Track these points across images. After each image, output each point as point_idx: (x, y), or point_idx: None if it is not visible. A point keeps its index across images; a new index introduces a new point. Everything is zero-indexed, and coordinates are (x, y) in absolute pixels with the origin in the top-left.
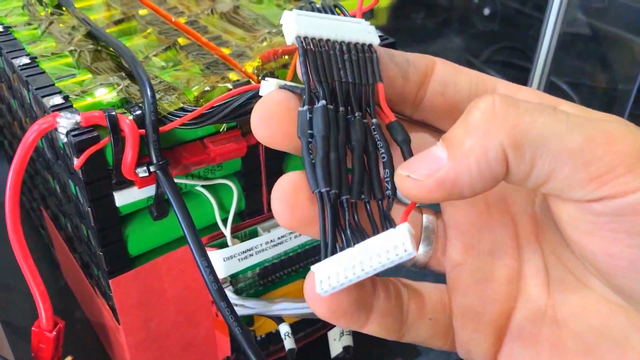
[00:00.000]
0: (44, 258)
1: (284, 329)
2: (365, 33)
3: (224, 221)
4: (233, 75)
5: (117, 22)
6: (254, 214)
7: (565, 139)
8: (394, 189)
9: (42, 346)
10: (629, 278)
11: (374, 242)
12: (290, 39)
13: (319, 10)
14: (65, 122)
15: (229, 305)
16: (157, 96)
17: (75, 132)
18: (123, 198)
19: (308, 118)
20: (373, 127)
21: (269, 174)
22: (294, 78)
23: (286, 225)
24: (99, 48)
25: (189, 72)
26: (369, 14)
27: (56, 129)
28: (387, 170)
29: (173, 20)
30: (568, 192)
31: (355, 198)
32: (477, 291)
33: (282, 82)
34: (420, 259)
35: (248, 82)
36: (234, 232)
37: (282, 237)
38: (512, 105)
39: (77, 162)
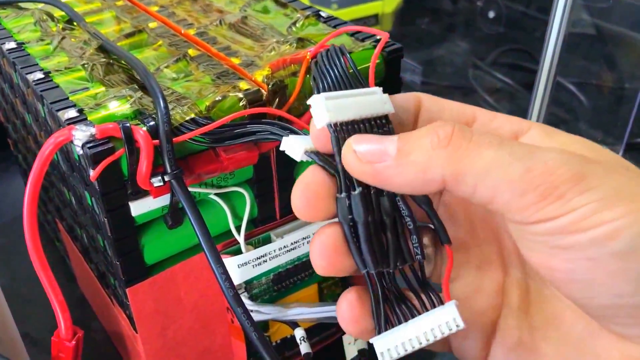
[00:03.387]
0: (60, 270)
1: (299, 333)
2: (382, 104)
3: (238, 228)
4: (243, 85)
5: (128, 36)
6: (266, 220)
7: (507, 170)
8: (422, 253)
9: (62, 355)
10: (570, 287)
11: (427, 319)
12: (320, 125)
13: (329, 60)
14: (80, 135)
15: (246, 311)
16: (170, 107)
17: (91, 144)
18: (138, 208)
19: (347, 205)
20: (397, 197)
21: (281, 180)
22: (302, 88)
23: (325, 274)
24: (111, 61)
25: (200, 82)
26: (373, 21)
27: (72, 142)
28: (413, 236)
29: (182, 32)
30: (509, 215)
31: (393, 269)
32: (467, 303)
33: (306, 144)
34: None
35: (258, 91)
36: (247, 238)
37: (295, 242)
38: (466, 138)
39: (93, 174)
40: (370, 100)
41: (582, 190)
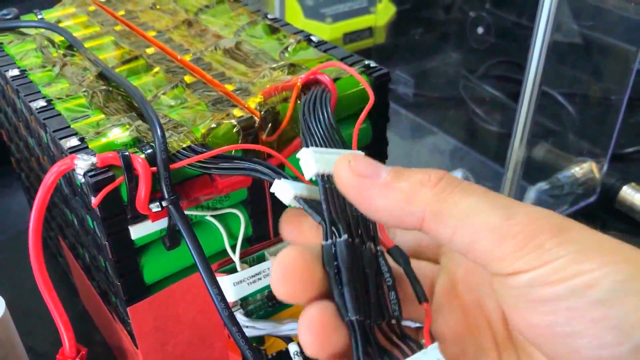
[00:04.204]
0: (62, 284)
1: (293, 348)
2: None
3: (233, 247)
4: (237, 112)
5: (126, 62)
6: (260, 239)
7: (488, 216)
8: (400, 310)
9: None
10: (553, 344)
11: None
12: (309, 175)
13: (315, 115)
14: (82, 164)
15: (240, 330)
16: (167, 134)
17: (92, 173)
18: (138, 231)
19: (333, 251)
20: (378, 252)
21: (274, 200)
22: (294, 114)
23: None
24: (110, 89)
25: (195, 109)
26: (367, 34)
27: (74, 170)
28: (392, 292)
29: (179, 58)
30: (489, 265)
31: (374, 322)
32: None
33: (295, 188)
34: None
35: (251, 118)
36: (242, 257)
37: None
38: (454, 184)
39: (94, 201)
40: None
41: (561, 242)
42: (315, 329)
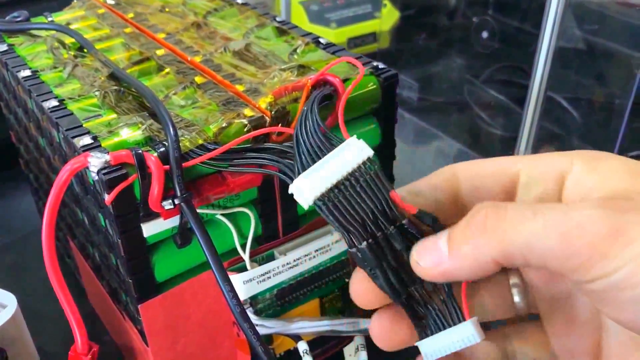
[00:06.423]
0: (70, 286)
1: (302, 346)
2: (359, 152)
3: (243, 246)
4: (248, 112)
5: (137, 63)
6: (270, 238)
7: (544, 240)
8: None
9: None
10: None
11: (447, 334)
12: (306, 206)
13: (306, 136)
14: (96, 162)
15: (252, 326)
16: (179, 134)
17: (106, 171)
18: (150, 229)
19: (361, 256)
20: (406, 225)
21: (284, 200)
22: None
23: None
24: (122, 89)
25: (206, 109)
26: (371, 39)
27: (87, 168)
28: None
29: (189, 59)
30: (567, 276)
31: (420, 289)
32: (568, 333)
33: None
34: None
35: (262, 118)
36: (252, 256)
37: (297, 259)
38: (500, 218)
39: (108, 198)
40: (347, 157)
41: (623, 245)
42: (385, 329)
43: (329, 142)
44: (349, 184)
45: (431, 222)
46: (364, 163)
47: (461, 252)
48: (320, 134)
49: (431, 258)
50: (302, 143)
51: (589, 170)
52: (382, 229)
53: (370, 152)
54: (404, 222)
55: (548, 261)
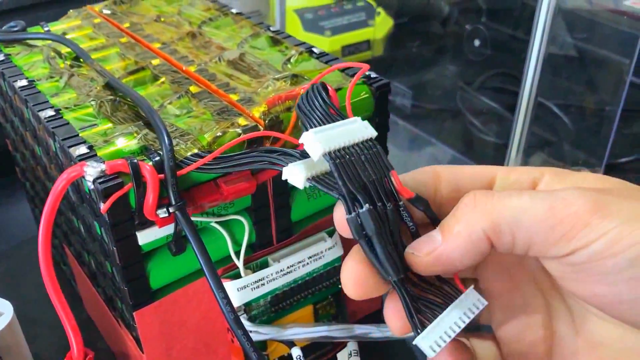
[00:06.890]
0: (66, 293)
1: (296, 352)
2: (364, 129)
3: (237, 253)
4: (242, 121)
5: (132, 72)
6: (264, 245)
7: (532, 213)
8: None
9: None
10: (618, 309)
11: (455, 307)
12: (316, 156)
13: (309, 101)
14: (91, 171)
15: (246, 333)
16: (174, 142)
17: (101, 180)
18: (145, 237)
19: (359, 222)
20: (402, 208)
21: (277, 208)
22: (297, 123)
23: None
24: (117, 98)
25: (200, 118)
26: (366, 46)
27: (83, 177)
28: (417, 238)
29: (184, 69)
30: (547, 252)
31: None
32: (519, 340)
33: (306, 170)
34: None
35: (256, 127)
36: (246, 263)
37: (291, 266)
38: (489, 196)
39: (103, 207)
40: (354, 128)
41: (604, 216)
42: (356, 282)
43: (336, 113)
44: (354, 151)
45: (424, 208)
46: (368, 140)
47: (453, 231)
48: (324, 104)
49: (426, 246)
50: (307, 111)
51: (560, 180)
52: (383, 201)
53: (374, 133)
54: (400, 203)
55: (533, 235)
